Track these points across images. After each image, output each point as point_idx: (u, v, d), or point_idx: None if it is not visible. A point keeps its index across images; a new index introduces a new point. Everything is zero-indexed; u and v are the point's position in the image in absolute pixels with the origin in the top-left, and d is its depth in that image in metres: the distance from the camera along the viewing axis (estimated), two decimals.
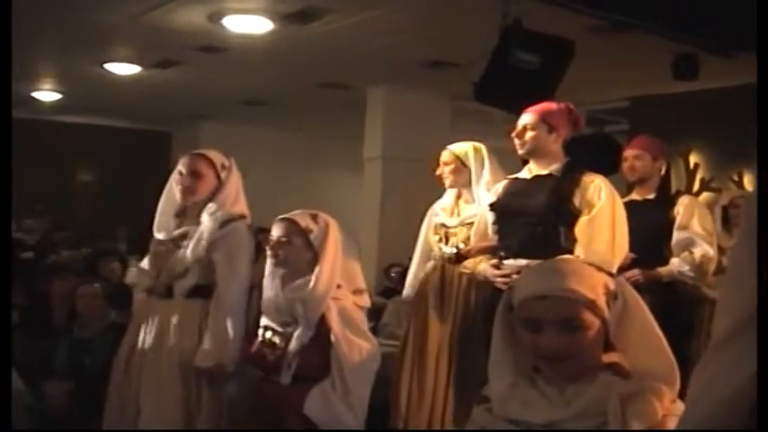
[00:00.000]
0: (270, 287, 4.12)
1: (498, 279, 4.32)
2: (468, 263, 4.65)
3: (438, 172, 5.16)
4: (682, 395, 2.09)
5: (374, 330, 6.33)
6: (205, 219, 4.25)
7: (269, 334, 4.02)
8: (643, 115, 9.61)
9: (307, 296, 3.96)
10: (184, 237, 4.29)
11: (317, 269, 4.00)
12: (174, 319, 4.22)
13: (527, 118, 4.49)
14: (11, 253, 3.92)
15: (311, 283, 3.98)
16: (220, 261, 4.21)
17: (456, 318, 4.88)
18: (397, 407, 4.93)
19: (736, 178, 9.11)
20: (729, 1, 6.61)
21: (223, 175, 4.38)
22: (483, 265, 4.47)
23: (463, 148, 5.16)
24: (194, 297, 4.26)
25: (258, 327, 4.11)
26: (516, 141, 4.48)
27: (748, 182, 9.03)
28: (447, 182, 5.13)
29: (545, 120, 4.46)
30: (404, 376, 4.95)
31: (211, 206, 4.27)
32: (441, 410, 4.82)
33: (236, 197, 4.39)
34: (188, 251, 4.22)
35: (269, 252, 4.09)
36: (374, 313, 7.14)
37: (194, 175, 4.31)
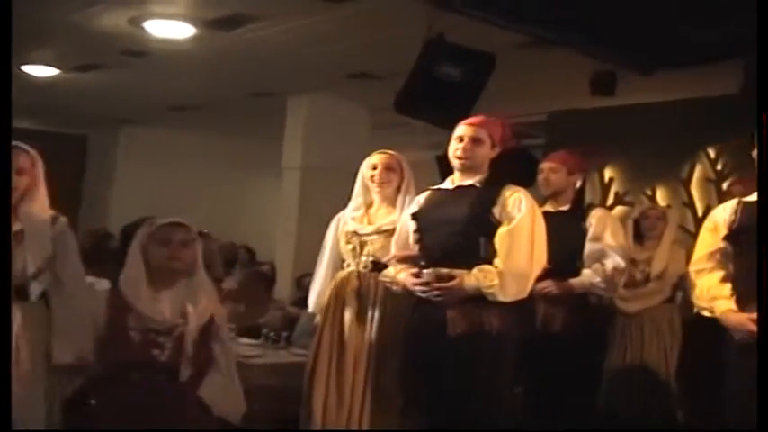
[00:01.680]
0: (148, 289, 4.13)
1: (418, 288, 4.33)
2: (388, 272, 4.66)
3: (372, 174, 5.11)
4: None
5: (288, 340, 6.34)
6: (33, 216, 4.08)
7: (153, 335, 4.05)
8: (560, 129, 9.78)
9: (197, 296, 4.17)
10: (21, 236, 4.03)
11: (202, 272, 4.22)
12: (32, 323, 4.03)
13: (471, 130, 4.50)
14: (10, 253, 3.83)
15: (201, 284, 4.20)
16: (59, 258, 4.09)
17: (374, 327, 4.89)
18: (311, 418, 4.89)
19: (649, 193, 9.32)
20: (647, 20, 6.79)
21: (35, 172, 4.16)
22: (403, 275, 4.48)
23: (399, 154, 5.19)
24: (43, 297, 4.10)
25: (129, 331, 4.05)
26: (460, 153, 4.48)
27: (661, 196, 9.24)
28: (380, 187, 5.10)
29: (484, 132, 4.50)
30: (317, 387, 4.90)
31: (34, 204, 4.10)
32: (357, 421, 4.83)
33: (45, 193, 4.20)
34: (28, 252, 4.02)
35: (169, 255, 4.11)
36: (288, 323, 7.15)
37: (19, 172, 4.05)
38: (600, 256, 5.33)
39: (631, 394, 6.27)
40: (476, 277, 4.18)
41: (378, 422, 4.79)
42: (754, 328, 3.89)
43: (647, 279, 6.40)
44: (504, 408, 4.32)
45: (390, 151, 5.19)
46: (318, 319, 5.11)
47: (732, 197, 4.61)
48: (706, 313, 4.18)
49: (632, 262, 5.83)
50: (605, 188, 9.62)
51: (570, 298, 5.26)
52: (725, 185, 8.72)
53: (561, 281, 5.22)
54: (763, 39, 3.22)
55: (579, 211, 5.57)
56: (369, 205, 5.17)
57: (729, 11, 6.56)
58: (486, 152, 4.50)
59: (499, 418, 4.26)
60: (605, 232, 5.38)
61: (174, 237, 4.14)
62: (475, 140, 4.47)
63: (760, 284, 3.63)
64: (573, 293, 5.27)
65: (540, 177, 5.58)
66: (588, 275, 5.30)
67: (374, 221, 5.07)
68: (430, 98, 6.57)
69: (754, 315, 3.90)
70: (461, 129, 4.51)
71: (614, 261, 5.32)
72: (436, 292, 4.24)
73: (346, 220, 5.17)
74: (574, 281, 5.28)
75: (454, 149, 4.50)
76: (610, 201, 9.54)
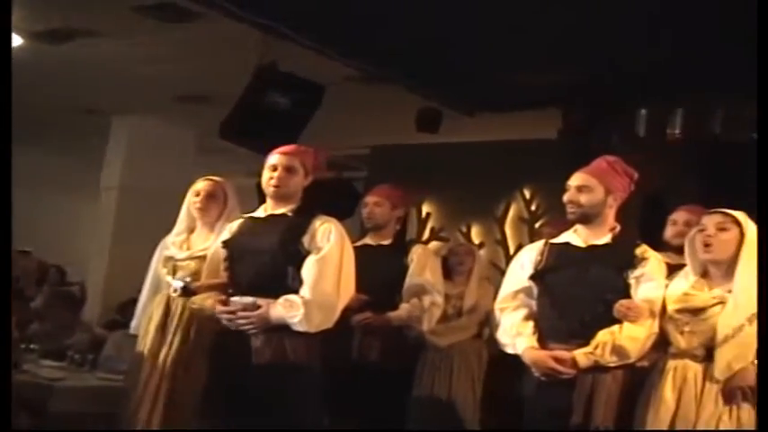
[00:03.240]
0: None
1: (224, 315, 4.28)
2: (197, 298, 4.62)
3: (195, 201, 5.13)
4: None
5: (94, 364, 6.17)
6: None
7: None
8: (382, 163, 9.92)
9: None
10: None
11: None
12: None
13: (285, 159, 4.48)
14: (10, 253, 3.73)
15: None
16: None
17: (174, 351, 4.89)
18: None
19: (464, 229, 9.55)
20: (474, 61, 7.02)
21: None
22: (210, 301, 4.43)
23: (225, 180, 5.20)
24: None
25: None
26: (273, 181, 4.46)
27: (476, 233, 9.50)
28: (200, 213, 5.12)
29: (297, 161, 4.48)
30: (134, 409, 4.87)
31: None
32: None
33: None
34: None
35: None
36: (95, 346, 6.99)
37: None
38: (419, 292, 5.39)
39: (438, 426, 6.39)
40: (281, 307, 4.17)
41: None
42: (553, 364, 4.03)
43: (458, 314, 6.52)
44: None
45: (216, 178, 5.19)
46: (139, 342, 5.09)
47: (542, 237, 4.75)
48: (509, 350, 4.27)
49: (445, 297, 5.94)
50: (422, 223, 9.79)
51: (388, 330, 5.29)
52: (537, 225, 9.03)
53: (380, 313, 5.24)
54: (764, 39, 3.36)
55: (401, 245, 5.63)
56: (191, 231, 5.18)
57: (554, 60, 6.86)
58: (300, 181, 4.49)
59: None
60: (426, 269, 5.43)
61: None
62: (288, 169, 4.45)
63: (760, 285, 3.71)
64: (390, 326, 5.30)
65: (365, 211, 5.60)
66: (406, 309, 5.34)
67: (192, 247, 5.09)
68: (256, 125, 6.58)
69: (555, 353, 4.05)
70: (275, 158, 4.49)
71: (432, 297, 5.38)
72: (241, 321, 4.21)
73: (167, 245, 5.18)
74: (392, 314, 5.30)
75: (267, 178, 4.47)
76: (426, 235, 9.71)
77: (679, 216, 5.05)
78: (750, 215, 4.07)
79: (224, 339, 4.37)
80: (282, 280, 4.27)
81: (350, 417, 5.16)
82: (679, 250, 4.44)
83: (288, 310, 4.18)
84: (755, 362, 3.83)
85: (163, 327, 4.96)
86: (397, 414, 5.49)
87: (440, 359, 6.45)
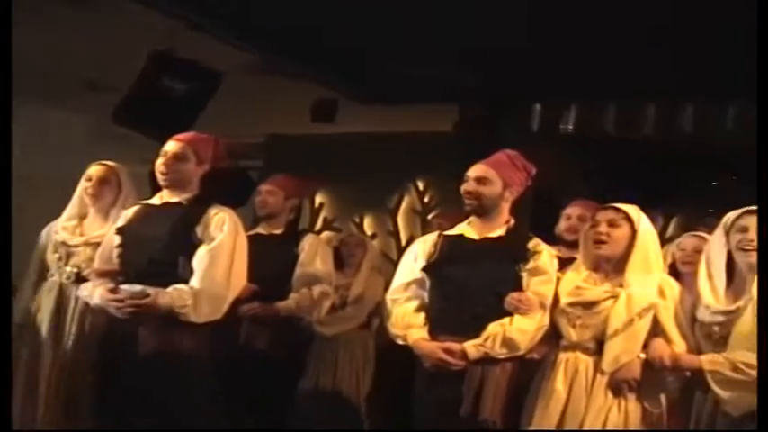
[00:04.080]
0: None
1: (113, 304, 4.24)
2: (87, 286, 4.55)
3: (87, 186, 5.04)
4: None
5: None
6: None
7: None
8: (278, 153, 9.86)
9: None
10: None
11: None
12: None
13: (175, 146, 4.47)
14: (10, 252, 3.63)
15: None
16: None
17: (68, 343, 4.79)
18: None
19: (357, 220, 9.55)
20: (371, 52, 7.02)
21: None
22: (100, 289, 4.38)
23: (119, 165, 5.12)
24: None
25: None
26: (162, 168, 4.44)
27: (368, 224, 9.51)
28: (93, 199, 5.03)
29: (189, 149, 4.46)
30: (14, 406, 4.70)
31: None
32: None
33: None
34: None
35: None
36: None
37: None
38: (309, 281, 5.41)
39: (323, 416, 6.39)
40: (170, 296, 4.14)
41: None
42: (443, 355, 4.05)
43: (344, 304, 6.52)
44: (199, 426, 4.28)
45: (109, 163, 5.11)
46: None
47: (434, 229, 4.76)
48: (400, 341, 4.28)
49: (334, 287, 5.95)
50: (315, 213, 9.76)
51: (276, 321, 5.29)
52: (429, 217, 9.08)
53: (268, 303, 5.25)
54: (764, 39, 3.38)
55: (292, 235, 5.64)
56: (83, 217, 5.07)
57: (451, 53, 6.89)
58: (192, 169, 4.47)
59: None
60: (316, 258, 5.46)
61: None
62: (178, 157, 4.43)
63: (761, 285, 3.72)
64: (278, 316, 5.31)
65: (258, 199, 5.60)
66: (295, 299, 5.37)
67: (86, 233, 4.98)
68: (150, 111, 6.50)
69: (445, 344, 4.08)
70: (168, 144, 4.48)
71: (322, 287, 5.42)
72: (129, 309, 4.17)
73: (57, 230, 5.05)
74: (280, 304, 5.32)
75: (157, 165, 4.46)
76: (318, 225, 9.70)
77: (573, 211, 5.13)
78: (642, 210, 4.15)
79: (113, 328, 4.32)
80: (173, 269, 4.24)
81: (238, 407, 5.14)
82: (571, 244, 4.52)
83: (176, 299, 4.16)
84: (642, 355, 3.92)
85: (56, 316, 4.84)
86: (284, 404, 5.49)
87: (326, 349, 6.44)
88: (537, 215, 5.52)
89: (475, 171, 4.31)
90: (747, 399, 3.67)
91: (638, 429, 3.95)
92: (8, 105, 3.80)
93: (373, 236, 9.07)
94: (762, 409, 3.37)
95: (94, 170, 5.08)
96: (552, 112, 8.23)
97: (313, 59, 7.20)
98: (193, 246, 4.27)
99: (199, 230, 4.30)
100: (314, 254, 5.48)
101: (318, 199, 9.79)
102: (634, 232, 4.07)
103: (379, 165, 9.21)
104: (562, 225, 5.17)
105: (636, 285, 3.98)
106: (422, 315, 4.29)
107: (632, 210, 4.13)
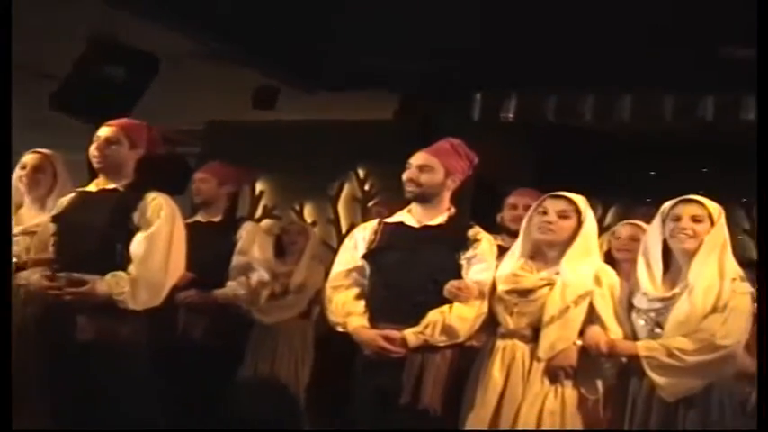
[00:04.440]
0: None
1: (50, 292, 4.20)
2: (24, 274, 4.49)
3: (21, 175, 4.98)
4: None
5: None
6: None
7: None
8: (218, 140, 9.80)
9: None
10: None
11: None
12: None
13: (107, 131, 4.42)
14: (10, 252, 3.65)
15: None
16: None
17: (12, 330, 4.73)
18: None
19: (297, 208, 9.54)
20: (313, 39, 6.99)
21: None
22: (36, 277, 4.34)
23: (55, 153, 5.06)
24: None
25: None
26: (95, 153, 4.40)
27: (308, 212, 9.50)
28: (27, 188, 4.97)
29: (122, 134, 4.42)
30: None
31: None
32: None
33: None
34: None
35: None
36: None
37: None
38: (246, 269, 5.39)
39: (261, 405, 6.36)
40: (107, 283, 4.12)
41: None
42: (383, 343, 4.06)
43: (285, 292, 6.48)
44: (138, 413, 4.25)
45: (44, 150, 5.06)
46: None
47: (374, 217, 4.76)
48: (340, 328, 4.27)
49: (273, 275, 5.94)
50: (255, 200, 9.73)
51: (214, 308, 5.27)
52: (369, 205, 9.09)
53: (206, 291, 5.23)
54: (764, 39, 3.39)
55: (230, 222, 5.61)
56: (18, 206, 4.99)
57: (392, 42, 6.90)
58: (125, 154, 4.43)
59: (133, 423, 4.22)
60: (253, 246, 5.43)
61: None
62: (110, 141, 4.39)
63: (761, 284, 3.73)
64: (216, 304, 5.28)
65: (193, 187, 5.58)
66: (232, 287, 5.34)
67: (22, 223, 4.89)
68: (88, 97, 6.43)
69: (385, 332, 4.08)
70: (100, 129, 4.44)
71: (259, 275, 5.39)
72: (68, 297, 4.13)
73: None
74: (218, 292, 5.29)
75: (91, 150, 4.42)
76: (258, 213, 9.66)
77: (518, 200, 5.16)
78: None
79: (51, 316, 4.27)
80: (111, 256, 4.21)
81: (175, 395, 5.10)
82: (514, 234, 4.53)
83: (114, 286, 4.13)
84: (578, 342, 3.96)
85: None
86: (223, 392, 5.47)
87: (265, 337, 6.41)
88: (478, 203, 5.54)
89: (417, 159, 4.31)
90: (682, 384, 3.74)
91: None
92: (8, 105, 3.79)
93: (313, 224, 9.07)
94: (762, 408, 3.39)
95: (28, 158, 5.03)
96: (493, 101, 8.28)
97: (255, 46, 7.16)
98: (130, 232, 4.24)
99: (135, 217, 4.26)
100: (251, 242, 5.45)
101: (259, 186, 9.75)
102: (580, 223, 4.10)
103: (319, 152, 9.20)
104: (507, 214, 5.19)
105: (572, 273, 4.02)
106: (362, 303, 4.29)
107: (581, 201, 4.16)
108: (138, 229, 4.24)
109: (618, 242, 4.70)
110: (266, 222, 9.18)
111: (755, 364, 4.43)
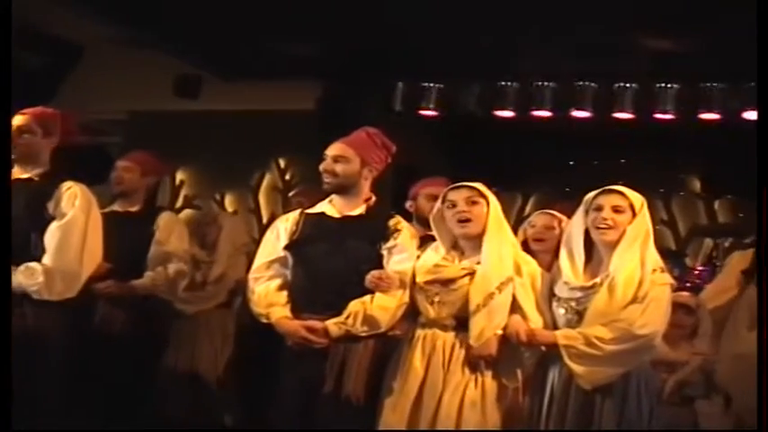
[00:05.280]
0: None
1: None
2: None
3: None
4: None
5: None
6: None
7: None
8: (139, 129, 9.68)
9: None
10: None
11: None
12: None
13: (20, 119, 4.38)
14: (10, 252, 3.57)
15: None
16: None
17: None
18: None
19: (218, 198, 9.49)
20: (234, 27, 6.95)
21: None
22: None
23: None
24: None
25: None
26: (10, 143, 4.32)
27: (229, 202, 9.45)
28: None
29: (35, 122, 4.38)
30: None
31: None
32: None
33: None
34: None
35: None
36: None
37: None
38: (164, 259, 5.36)
39: (181, 397, 6.30)
40: (21, 274, 4.07)
41: None
42: (305, 334, 4.05)
43: (205, 282, 6.41)
44: (53, 406, 4.22)
45: None
46: None
47: (295, 207, 4.73)
48: (263, 319, 4.25)
49: (194, 265, 5.89)
50: (175, 191, 9.65)
51: (133, 300, 5.24)
52: (290, 195, 9.07)
53: (124, 282, 5.19)
54: (764, 39, 3.40)
55: (149, 213, 5.56)
56: None
57: (315, 31, 6.88)
58: (38, 142, 4.39)
59: (48, 415, 4.17)
60: (171, 236, 5.41)
61: None
62: (22, 130, 4.35)
63: (760, 284, 3.70)
64: (134, 295, 5.25)
65: (114, 176, 5.51)
66: (151, 278, 5.32)
67: None
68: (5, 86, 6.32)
69: (307, 323, 4.08)
70: (15, 119, 4.38)
71: (177, 265, 5.38)
72: None
73: None
74: (136, 282, 5.27)
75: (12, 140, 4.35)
76: (179, 203, 9.58)
77: (422, 189, 5.18)
78: (490, 187, 4.21)
79: None
80: (26, 247, 4.15)
81: (93, 387, 5.05)
82: (425, 222, 4.54)
83: (28, 278, 4.08)
84: (498, 332, 3.98)
85: None
86: (144, 384, 5.43)
87: (185, 328, 6.35)
88: (399, 193, 5.55)
89: (332, 150, 4.31)
90: (600, 373, 3.79)
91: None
92: (8, 105, 3.70)
93: (234, 213, 9.02)
94: (762, 408, 3.42)
95: None
96: (415, 91, 8.31)
97: (177, 35, 7.10)
98: (46, 222, 4.18)
99: (50, 206, 4.22)
100: (170, 232, 5.42)
101: (179, 176, 9.68)
102: (488, 208, 4.12)
103: (241, 142, 9.15)
104: (409, 204, 5.22)
105: (493, 261, 4.04)
106: (284, 293, 4.27)
107: (481, 186, 4.18)
108: (53, 219, 4.19)
109: (533, 231, 4.73)
110: (186, 212, 9.12)
111: (672, 353, 4.54)
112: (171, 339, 6.15)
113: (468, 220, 4.09)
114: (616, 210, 3.91)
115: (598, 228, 3.92)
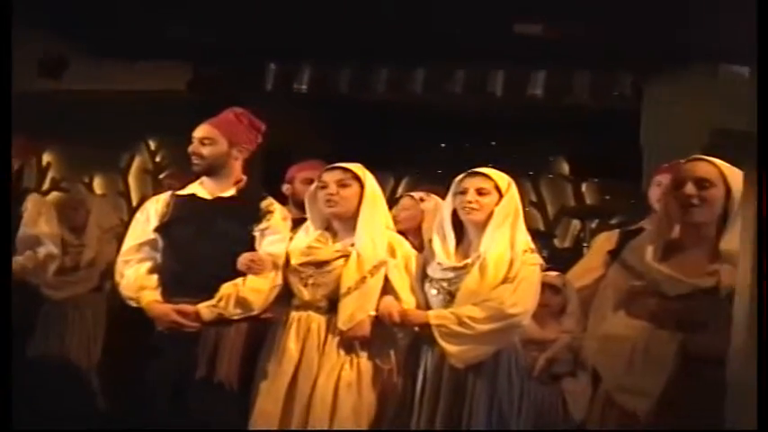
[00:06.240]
0: None
1: None
2: None
3: None
4: None
5: None
6: None
7: None
8: None
9: None
10: None
11: None
12: None
13: None
14: (10, 251, 3.43)
15: None
16: None
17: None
18: None
19: (87, 180, 9.32)
20: (102, 6, 6.81)
21: None
22: None
23: None
24: None
25: None
26: None
27: (98, 185, 9.29)
28: None
29: None
30: None
31: None
32: None
33: None
34: None
35: None
36: None
37: None
38: (33, 243, 5.22)
39: (51, 384, 6.17)
40: None
41: None
42: (176, 318, 4.01)
43: (76, 266, 6.30)
44: None
45: None
46: None
47: (166, 190, 4.65)
48: (133, 303, 4.19)
49: (64, 249, 5.76)
50: (42, 172, 9.45)
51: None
52: (161, 177, 8.96)
53: None
54: (764, 39, 3.36)
55: (15, 195, 5.42)
56: None
57: (185, 12, 6.79)
58: None
59: None
60: (39, 219, 5.27)
61: None
62: None
63: (760, 283, 3.64)
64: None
65: None
66: (19, 262, 5.16)
67: None
68: None
69: (178, 306, 4.03)
70: None
71: (47, 249, 5.24)
72: None
73: None
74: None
75: None
76: (46, 186, 9.40)
77: (297, 172, 5.17)
78: (373, 171, 4.23)
79: None
80: None
81: None
82: (300, 205, 4.54)
83: None
84: (372, 313, 4.00)
85: None
86: (9, 372, 5.28)
87: (55, 314, 6.22)
88: (271, 175, 5.52)
89: (199, 131, 4.28)
90: (472, 351, 3.84)
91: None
92: (8, 105, 3.55)
93: (103, 196, 8.87)
94: (762, 408, 3.44)
95: None
96: (287, 72, 8.28)
97: (42, 10, 6.91)
98: None
99: None
100: (37, 214, 5.27)
101: (46, 158, 9.48)
102: (362, 190, 4.14)
103: (109, 123, 9.00)
104: (285, 187, 5.20)
105: (366, 244, 4.06)
106: (155, 277, 4.21)
107: (358, 168, 4.20)
108: None
109: (395, 212, 4.77)
110: (53, 195, 8.92)
111: (541, 332, 4.63)
112: (40, 326, 6.02)
113: (333, 202, 4.10)
114: (480, 192, 3.96)
115: (464, 209, 3.97)
